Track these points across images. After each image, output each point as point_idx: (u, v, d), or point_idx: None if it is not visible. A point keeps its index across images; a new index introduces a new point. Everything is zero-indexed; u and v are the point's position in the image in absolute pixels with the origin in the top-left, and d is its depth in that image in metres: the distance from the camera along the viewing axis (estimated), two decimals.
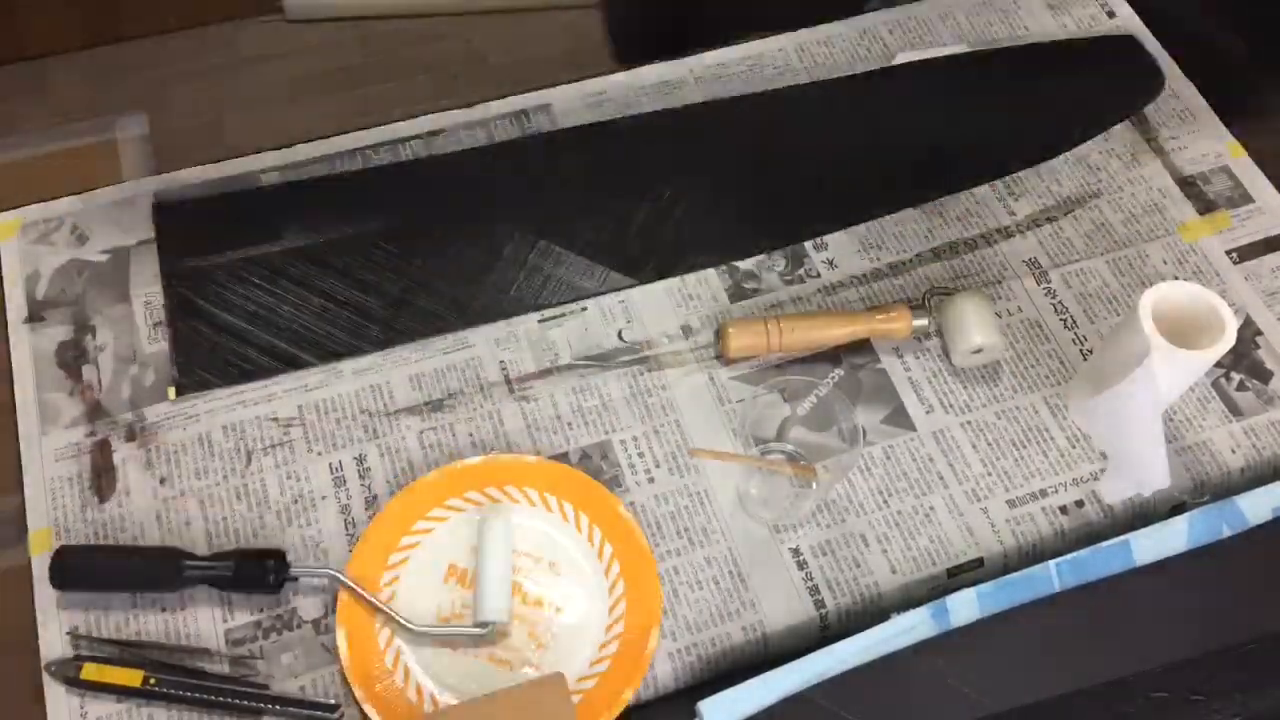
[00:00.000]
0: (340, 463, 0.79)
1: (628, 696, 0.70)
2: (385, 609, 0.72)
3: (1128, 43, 1.01)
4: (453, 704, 0.70)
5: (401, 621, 0.71)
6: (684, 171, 0.93)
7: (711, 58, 1.00)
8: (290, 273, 0.86)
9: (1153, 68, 1.00)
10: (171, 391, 0.81)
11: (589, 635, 0.74)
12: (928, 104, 0.98)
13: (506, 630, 0.73)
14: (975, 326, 0.82)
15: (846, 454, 0.76)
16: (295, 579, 0.73)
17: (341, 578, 0.72)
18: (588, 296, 0.87)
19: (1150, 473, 0.79)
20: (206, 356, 0.83)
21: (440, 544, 0.76)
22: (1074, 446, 0.82)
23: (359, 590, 0.72)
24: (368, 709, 0.69)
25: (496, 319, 0.86)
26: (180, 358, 0.82)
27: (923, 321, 0.84)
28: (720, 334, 0.83)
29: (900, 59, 1.00)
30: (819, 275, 0.89)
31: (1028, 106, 0.99)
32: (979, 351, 0.83)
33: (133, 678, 0.70)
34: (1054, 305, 0.88)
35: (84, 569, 0.73)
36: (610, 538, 0.76)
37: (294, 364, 0.83)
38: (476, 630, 0.72)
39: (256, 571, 0.72)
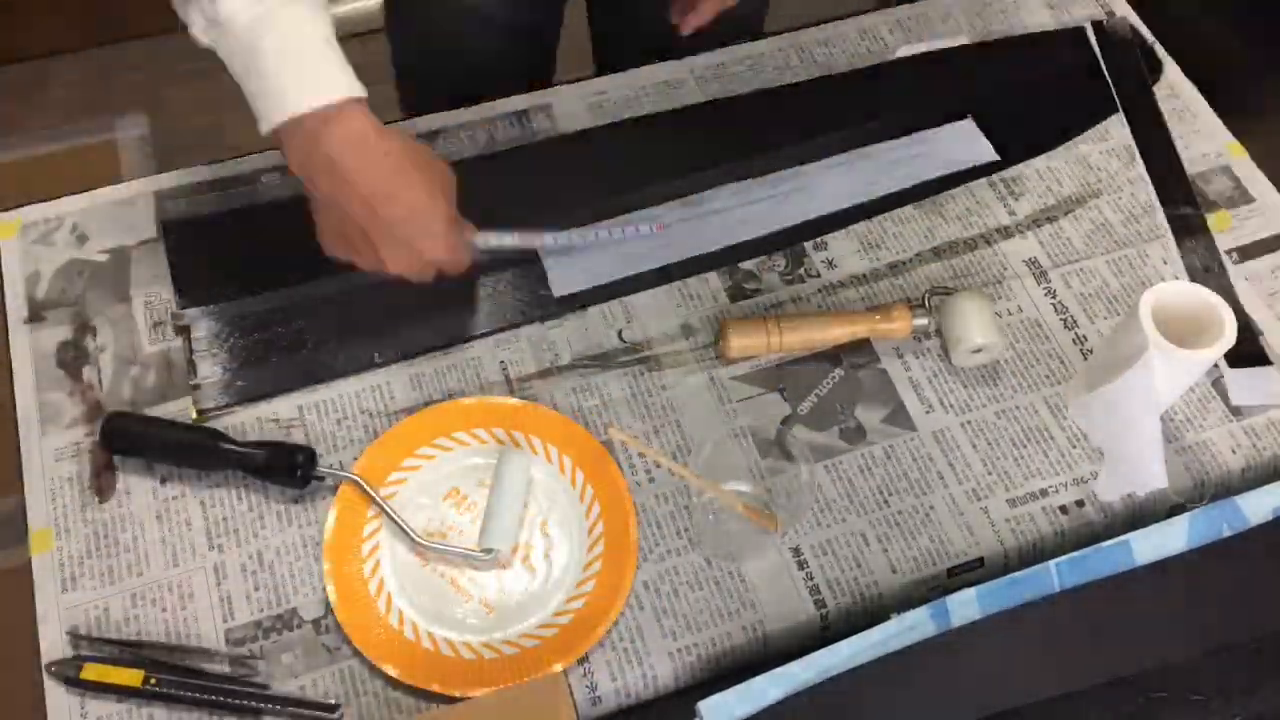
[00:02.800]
0: (341, 463, 0.79)
1: (558, 668, 0.71)
2: (398, 519, 0.75)
3: (1122, 26, 1.01)
4: (452, 705, 0.71)
5: (409, 531, 0.74)
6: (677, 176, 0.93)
7: (711, 58, 1.00)
8: (303, 288, 0.86)
9: (1149, 52, 1.00)
10: (193, 412, 0.81)
11: (550, 601, 0.75)
12: (926, 98, 0.98)
13: (507, 562, 0.75)
14: (975, 326, 0.82)
15: (801, 495, 0.75)
16: (322, 478, 0.76)
17: (366, 486, 0.75)
18: (600, 302, 0.87)
19: (1146, 473, 0.79)
20: (226, 377, 0.82)
21: (449, 467, 0.79)
22: (1074, 446, 0.82)
23: (381, 501, 0.75)
24: (329, 584, 0.73)
25: (506, 328, 0.85)
26: (201, 378, 0.82)
27: (923, 321, 0.84)
28: (720, 334, 0.83)
29: (902, 52, 1.01)
30: (819, 275, 0.89)
31: (1028, 96, 0.99)
32: (979, 351, 0.83)
33: (133, 678, 0.70)
34: (1054, 305, 0.88)
35: (133, 435, 0.78)
36: (606, 518, 0.77)
37: (311, 379, 0.82)
38: (480, 554, 0.74)
39: (285, 463, 0.76)
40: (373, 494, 0.75)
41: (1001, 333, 0.84)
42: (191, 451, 0.77)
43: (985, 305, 0.83)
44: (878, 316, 0.84)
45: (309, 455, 0.76)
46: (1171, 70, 1.01)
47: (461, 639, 0.73)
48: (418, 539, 0.74)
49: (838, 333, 0.84)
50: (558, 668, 0.71)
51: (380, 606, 0.74)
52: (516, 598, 0.75)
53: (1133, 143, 0.97)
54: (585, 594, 0.75)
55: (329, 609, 0.73)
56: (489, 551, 0.74)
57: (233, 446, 0.76)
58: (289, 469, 0.76)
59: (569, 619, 0.74)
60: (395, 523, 0.75)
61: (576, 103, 0.97)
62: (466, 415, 0.80)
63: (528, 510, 0.78)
